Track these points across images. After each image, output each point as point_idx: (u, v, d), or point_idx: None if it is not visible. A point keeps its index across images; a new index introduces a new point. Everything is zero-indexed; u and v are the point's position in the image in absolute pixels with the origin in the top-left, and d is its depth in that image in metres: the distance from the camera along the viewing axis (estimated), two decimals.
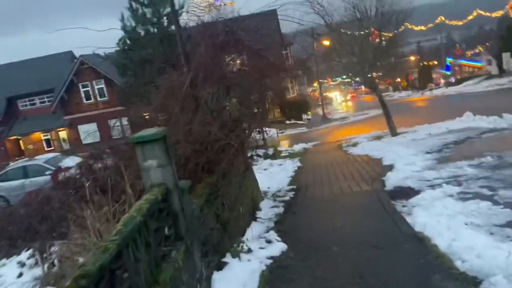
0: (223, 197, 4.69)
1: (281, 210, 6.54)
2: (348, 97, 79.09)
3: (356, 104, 65.34)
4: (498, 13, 43.94)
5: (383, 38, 15.34)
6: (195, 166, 4.60)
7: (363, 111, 37.47)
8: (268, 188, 8.56)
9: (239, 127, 5.54)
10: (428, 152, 9.43)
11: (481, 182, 5.86)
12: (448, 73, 77.34)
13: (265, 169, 11.23)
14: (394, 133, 14.65)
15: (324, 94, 65.98)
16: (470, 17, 49.89)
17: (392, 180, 7.26)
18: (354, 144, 14.94)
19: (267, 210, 6.50)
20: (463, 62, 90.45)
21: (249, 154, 11.49)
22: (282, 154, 15.56)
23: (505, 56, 35.44)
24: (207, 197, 4.13)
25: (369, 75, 14.86)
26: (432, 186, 6.28)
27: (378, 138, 15.28)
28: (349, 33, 15.19)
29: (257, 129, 7.66)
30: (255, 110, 7.44)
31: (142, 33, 12.63)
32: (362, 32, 14.88)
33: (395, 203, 5.92)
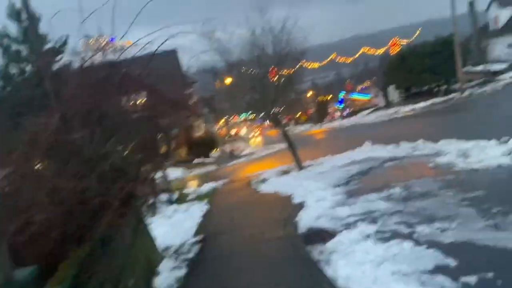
0: (101, 273, 3.61)
1: (184, 271, 5.55)
2: (257, 133, 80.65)
3: (261, 139, 66.76)
4: (381, 50, 48.78)
5: (282, 75, 15.46)
6: (62, 236, 3.49)
7: (268, 145, 38.02)
8: (170, 243, 7.48)
9: (125, 177, 4.56)
10: (336, 185, 9.20)
11: (396, 218, 5.54)
12: (342, 106, 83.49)
13: (169, 217, 10.10)
14: (300, 166, 14.54)
15: (231, 131, 66.47)
16: (357, 54, 54.73)
17: (304, 221, 6.72)
18: (263, 181, 14.49)
19: (167, 275, 5.48)
20: (354, 96, 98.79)
21: (146, 204, 10.27)
22: (190, 197, 14.50)
23: (390, 89, 39.00)
24: (73, 281, 3.04)
25: (272, 111, 14.72)
26: (347, 226, 5.82)
27: (286, 172, 15.07)
28: (249, 72, 15.07)
29: (155, 175, 6.66)
30: (151, 154, 6.50)
31: (16, 72, 10.99)
32: (262, 70, 14.85)
33: (312, 249, 5.30)
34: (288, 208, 8.21)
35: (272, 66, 15.11)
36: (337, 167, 12.00)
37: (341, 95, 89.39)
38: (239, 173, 22.36)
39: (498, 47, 39.31)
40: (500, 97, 23.78)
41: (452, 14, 31.08)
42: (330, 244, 5.13)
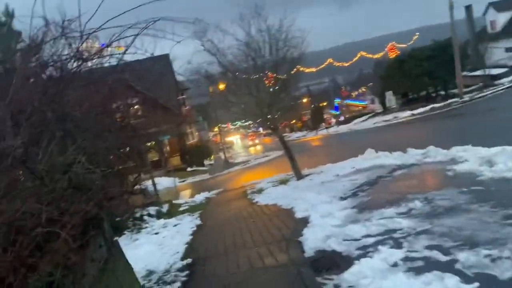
0: None
1: None
2: (257, 141, 79.26)
3: (261, 147, 65.80)
4: (379, 55, 48.16)
5: (278, 79, 14.49)
6: None
7: (264, 153, 37.06)
8: (153, 267, 6.43)
9: (88, 195, 3.54)
10: (342, 198, 8.21)
11: (425, 240, 4.55)
12: (337, 112, 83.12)
13: (157, 233, 9.06)
14: (299, 176, 13.55)
15: (225, 138, 65.48)
16: (355, 59, 54.08)
17: (311, 241, 5.71)
18: (259, 191, 13.49)
19: None
20: (350, 102, 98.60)
21: (124, 222, 9.26)
22: (181, 208, 13.45)
23: (388, 94, 38.27)
24: None
25: (268, 116, 13.74)
26: (365, 250, 4.83)
27: (283, 182, 14.07)
28: (244, 76, 14.12)
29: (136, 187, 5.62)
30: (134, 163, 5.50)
31: None
32: (258, 74, 13.91)
33: (324, 281, 4.29)
34: (290, 224, 7.20)
35: (268, 70, 14.19)
36: (340, 177, 11.02)
37: (337, 101, 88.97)
38: (234, 182, 21.35)
39: (496, 52, 38.74)
40: (502, 102, 23.02)
41: (451, 16, 30.43)
42: (348, 275, 4.12)
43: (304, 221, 6.98)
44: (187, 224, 9.32)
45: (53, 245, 2.85)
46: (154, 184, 12.26)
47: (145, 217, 10.50)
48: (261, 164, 28.35)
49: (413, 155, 11.15)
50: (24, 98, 3.60)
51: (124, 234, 9.53)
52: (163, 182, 25.75)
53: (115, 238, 4.64)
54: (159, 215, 10.78)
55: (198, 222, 9.59)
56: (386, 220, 5.75)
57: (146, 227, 9.74)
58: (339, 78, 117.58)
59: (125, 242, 8.72)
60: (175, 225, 9.45)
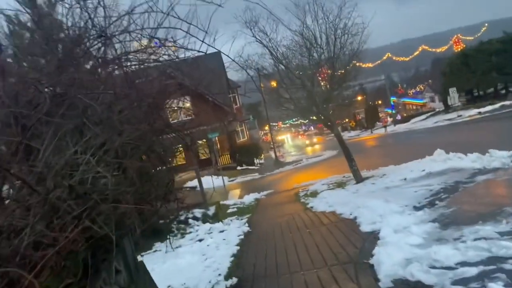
0: None
1: None
2: (307, 141, 77.10)
3: (306, 145, 64.18)
4: (442, 49, 44.92)
5: (335, 73, 13.19)
6: None
7: (316, 152, 35.61)
8: (191, 286, 5.50)
9: (97, 209, 2.63)
10: (417, 208, 6.88)
11: None
12: (393, 111, 79.66)
13: (201, 240, 8.18)
14: (358, 178, 12.22)
15: (276, 137, 64.54)
16: (416, 53, 50.92)
17: (386, 266, 4.50)
18: (314, 194, 12.33)
19: None
20: (406, 100, 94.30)
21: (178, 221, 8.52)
22: (229, 211, 12.60)
23: (451, 91, 35.41)
24: None
25: (324, 111, 12.51)
26: (466, 286, 3.57)
27: (340, 185, 12.79)
28: (297, 69, 12.97)
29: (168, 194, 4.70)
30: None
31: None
32: (313, 68, 12.71)
33: None
34: (355, 239, 5.99)
35: (324, 63, 12.96)
36: (409, 181, 9.61)
37: (392, 100, 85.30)
38: (285, 182, 20.26)
39: None
40: None
41: None
42: None
43: (373, 237, 5.76)
44: (234, 231, 8.36)
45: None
46: (200, 184, 11.47)
47: (190, 221, 9.70)
48: (313, 164, 27.01)
49: (497, 157, 9.49)
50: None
51: (168, 239, 8.77)
52: (211, 181, 25.29)
53: (139, 258, 3.72)
54: (205, 219, 9.94)
55: (246, 228, 8.60)
56: (486, 242, 4.42)
57: (191, 232, 8.91)
58: (394, 76, 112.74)
59: (166, 249, 7.94)
60: (221, 231, 8.53)
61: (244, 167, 31.26)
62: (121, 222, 2.88)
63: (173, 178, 4.39)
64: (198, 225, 9.46)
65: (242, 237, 7.89)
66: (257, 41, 12.00)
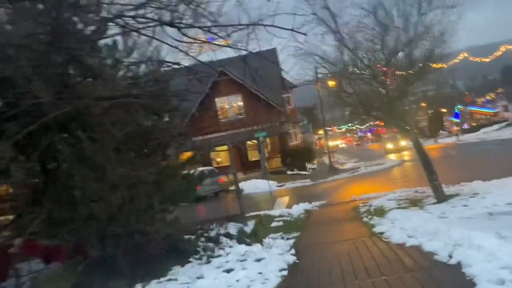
0: None
1: None
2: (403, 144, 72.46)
3: (362, 152, 60.33)
4: None
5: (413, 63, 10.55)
6: None
7: (376, 160, 32.44)
8: None
9: None
10: None
11: None
12: (458, 120, 74.16)
13: (229, 271, 6.02)
14: (441, 196, 9.55)
15: (331, 142, 61.36)
16: (498, 53, 45.90)
17: None
18: (380, 212, 9.83)
19: None
20: (474, 109, 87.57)
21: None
22: (273, 224, 10.40)
23: None
24: None
25: (399, 109, 9.97)
26: None
27: (415, 203, 10.16)
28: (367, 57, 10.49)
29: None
30: None
31: None
32: (386, 55, 10.21)
33: None
34: None
35: (399, 50, 10.40)
36: None
37: (458, 108, 79.22)
38: (341, 192, 17.71)
39: None
40: None
41: None
42: None
43: None
44: (275, 261, 6.11)
45: None
46: (238, 191, 9.36)
47: (222, 238, 7.62)
48: (373, 173, 24.11)
49: None
50: None
51: (190, 262, 6.74)
52: (260, 185, 23.18)
53: None
54: (240, 237, 7.79)
55: (292, 258, 6.31)
56: None
57: (219, 256, 6.81)
58: (459, 84, 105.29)
59: (184, 278, 5.92)
60: (257, 260, 6.31)
61: (295, 171, 28.91)
62: None
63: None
64: (231, 246, 7.35)
65: (285, 273, 5.64)
66: (318, 20, 9.71)
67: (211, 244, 7.44)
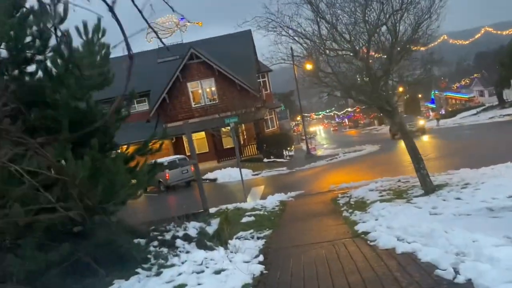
0: None
1: None
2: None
3: (340, 138, 59.88)
4: (510, 31, 39.58)
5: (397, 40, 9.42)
6: None
7: (354, 147, 31.62)
8: None
9: None
10: None
11: None
12: (434, 106, 74.67)
13: (181, 287, 4.82)
14: (428, 187, 8.56)
15: (308, 128, 60.56)
16: (478, 36, 45.56)
17: None
18: (361, 205, 8.82)
19: None
20: (450, 94, 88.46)
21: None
22: (244, 219, 9.25)
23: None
24: None
25: (382, 90, 8.88)
26: None
27: (400, 194, 9.16)
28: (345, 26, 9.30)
29: None
30: None
31: None
32: (369, 29, 9.04)
33: None
34: None
35: (383, 24, 9.24)
36: None
37: (433, 93, 79.65)
38: (318, 181, 16.69)
39: None
40: None
41: None
42: None
43: None
44: (238, 274, 4.93)
45: None
46: (201, 184, 8.10)
47: (178, 242, 6.40)
48: (352, 160, 23.23)
49: None
50: None
51: (138, 273, 5.47)
52: (234, 174, 21.94)
53: None
54: (201, 239, 6.59)
55: (259, 268, 5.15)
56: None
57: (173, 265, 5.58)
58: (434, 69, 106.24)
59: None
60: (217, 272, 5.11)
61: (272, 159, 27.79)
62: None
63: None
64: (188, 252, 6.14)
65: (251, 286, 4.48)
66: None
67: (165, 250, 6.23)
